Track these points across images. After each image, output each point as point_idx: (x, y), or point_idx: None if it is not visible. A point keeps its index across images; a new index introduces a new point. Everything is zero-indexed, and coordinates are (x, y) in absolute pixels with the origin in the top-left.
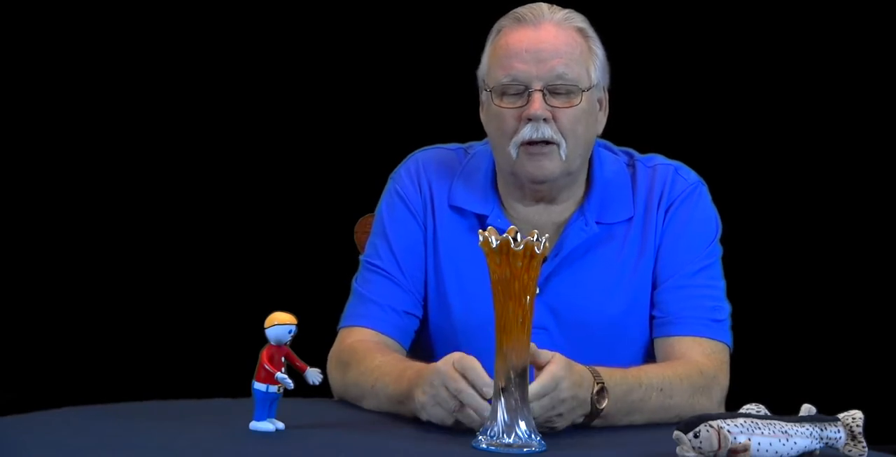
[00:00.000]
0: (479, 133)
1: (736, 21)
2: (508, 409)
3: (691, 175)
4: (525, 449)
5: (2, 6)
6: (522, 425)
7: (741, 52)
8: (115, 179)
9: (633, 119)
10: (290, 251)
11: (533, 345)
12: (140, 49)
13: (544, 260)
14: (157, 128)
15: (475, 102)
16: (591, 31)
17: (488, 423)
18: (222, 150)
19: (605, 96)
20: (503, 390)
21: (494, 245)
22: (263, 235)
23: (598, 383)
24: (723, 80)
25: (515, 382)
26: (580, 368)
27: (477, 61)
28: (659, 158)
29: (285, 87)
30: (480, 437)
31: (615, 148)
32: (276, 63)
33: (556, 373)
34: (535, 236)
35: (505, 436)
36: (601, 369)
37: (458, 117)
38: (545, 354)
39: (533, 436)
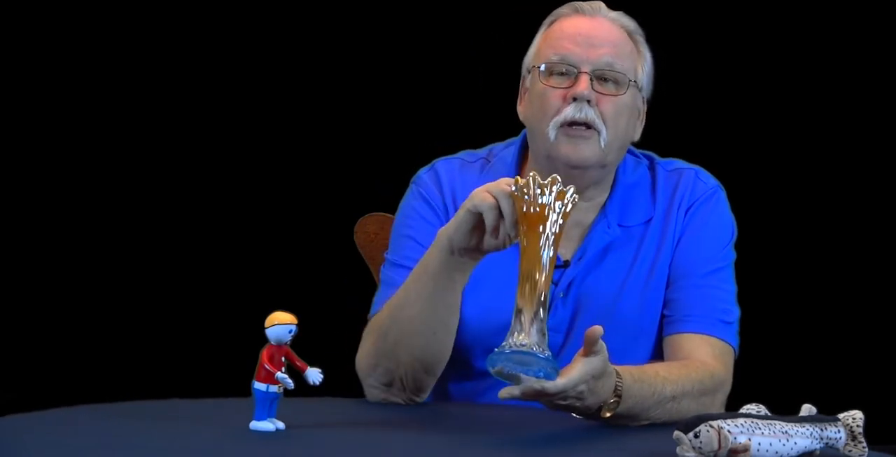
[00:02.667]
0: (479, 137)
1: (754, 27)
2: (522, 324)
3: (711, 179)
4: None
5: (1, 6)
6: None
7: (756, 58)
8: (116, 179)
9: (648, 123)
10: (290, 251)
11: (598, 329)
12: (140, 49)
13: (567, 265)
14: (157, 128)
15: (474, 105)
16: (640, 37)
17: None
18: (223, 150)
19: (643, 107)
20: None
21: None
22: (264, 236)
23: (615, 395)
24: (738, 87)
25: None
26: (608, 378)
27: (476, 63)
28: (679, 162)
29: (286, 87)
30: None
31: (636, 151)
32: (276, 64)
33: (574, 380)
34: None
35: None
36: (626, 376)
37: (459, 117)
38: (594, 341)
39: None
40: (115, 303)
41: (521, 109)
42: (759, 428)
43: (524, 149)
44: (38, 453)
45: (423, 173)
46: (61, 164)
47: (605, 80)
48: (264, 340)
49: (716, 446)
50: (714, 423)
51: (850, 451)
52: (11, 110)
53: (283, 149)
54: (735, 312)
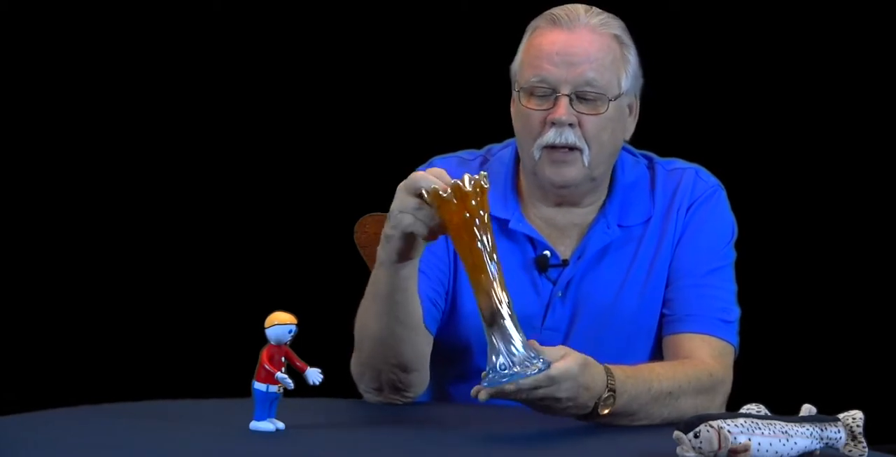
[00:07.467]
0: (479, 137)
1: (754, 27)
2: (504, 339)
3: (711, 178)
4: (531, 371)
5: (1, 6)
6: (520, 347)
7: (756, 58)
8: (115, 178)
9: (647, 123)
10: (290, 251)
11: (535, 343)
12: (140, 49)
13: (566, 264)
14: (156, 128)
15: (475, 104)
16: (626, 38)
17: (493, 360)
18: (222, 150)
19: (635, 102)
20: (493, 323)
21: (447, 193)
22: (264, 236)
23: (608, 390)
24: (738, 87)
25: (507, 311)
26: (595, 371)
27: (476, 64)
28: (678, 162)
29: (286, 87)
30: (490, 375)
31: (635, 151)
32: (276, 64)
33: (561, 374)
34: (477, 175)
35: (513, 365)
36: (617, 373)
37: (459, 117)
38: (552, 352)
39: (534, 358)
40: (115, 303)
41: (512, 114)
42: (759, 428)
43: None
44: (38, 453)
45: (421, 171)
46: (61, 164)
47: (586, 99)
48: (264, 340)
49: (716, 446)
50: (714, 423)
51: (850, 451)
52: (11, 110)
53: (283, 149)
54: (735, 312)
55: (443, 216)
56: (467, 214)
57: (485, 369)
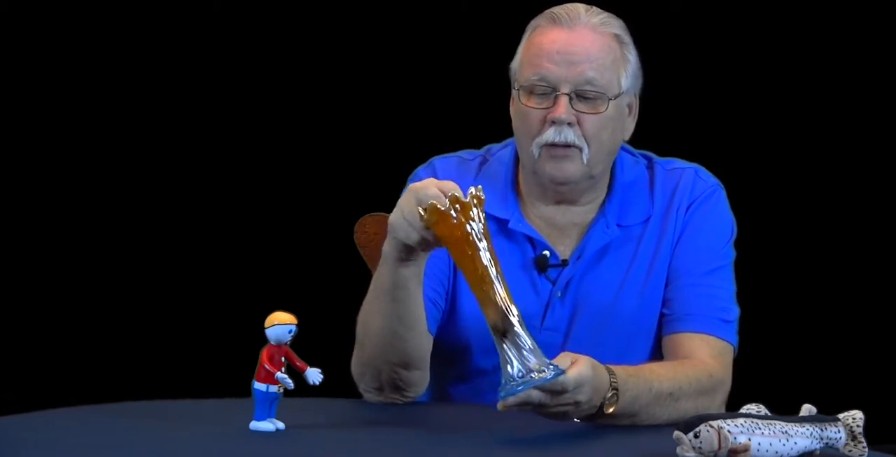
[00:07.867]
0: (478, 137)
1: (754, 27)
2: (516, 348)
3: (710, 178)
4: (547, 376)
5: (1, 6)
6: (532, 354)
7: (756, 58)
8: (115, 178)
9: (647, 123)
10: (290, 251)
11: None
12: (140, 49)
13: (566, 264)
14: (157, 128)
15: (475, 104)
16: (626, 38)
17: (508, 370)
18: (223, 150)
19: (635, 102)
20: (505, 334)
21: (445, 206)
22: (264, 236)
23: (612, 389)
24: (737, 87)
25: (517, 320)
26: (602, 371)
27: (476, 64)
28: (678, 162)
29: (285, 87)
30: (507, 385)
31: (634, 151)
32: (276, 64)
33: (581, 377)
34: (473, 190)
35: (529, 372)
36: (619, 372)
37: (459, 117)
38: (560, 361)
39: (548, 364)
40: (115, 303)
41: (511, 113)
42: (759, 428)
43: None
44: (38, 453)
45: (421, 171)
46: (61, 164)
47: (586, 98)
48: (264, 340)
49: (716, 446)
50: (714, 423)
51: (850, 451)
52: (11, 110)
53: (283, 149)
54: (735, 311)
55: (442, 232)
56: (468, 227)
57: (498, 379)
